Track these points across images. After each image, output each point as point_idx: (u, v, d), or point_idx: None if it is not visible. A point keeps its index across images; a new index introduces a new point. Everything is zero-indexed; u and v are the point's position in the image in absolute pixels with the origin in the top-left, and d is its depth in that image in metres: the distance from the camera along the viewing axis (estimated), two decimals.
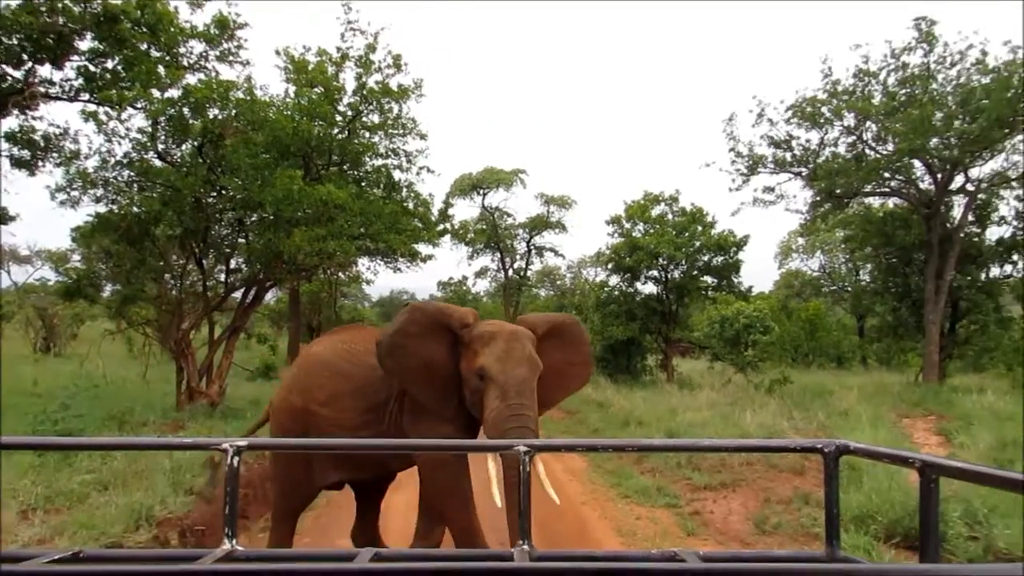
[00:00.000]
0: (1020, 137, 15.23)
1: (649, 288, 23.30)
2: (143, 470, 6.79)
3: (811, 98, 16.53)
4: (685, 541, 6.59)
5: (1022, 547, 5.39)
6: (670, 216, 23.10)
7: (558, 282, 43.04)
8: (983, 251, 17.38)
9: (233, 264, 12.83)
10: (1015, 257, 17.52)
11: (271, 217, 11.46)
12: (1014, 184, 16.55)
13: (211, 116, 11.22)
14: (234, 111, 11.35)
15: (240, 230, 12.48)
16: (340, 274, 24.57)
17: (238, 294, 12.93)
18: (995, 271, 17.81)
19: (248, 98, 11.69)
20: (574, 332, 5.09)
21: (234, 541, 1.43)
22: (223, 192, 11.67)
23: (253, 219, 12.27)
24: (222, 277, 12.89)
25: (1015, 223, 17.28)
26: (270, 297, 22.66)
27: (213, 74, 11.92)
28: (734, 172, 17.90)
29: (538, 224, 31.13)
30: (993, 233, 17.65)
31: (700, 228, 22.54)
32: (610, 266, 23.44)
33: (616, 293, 23.28)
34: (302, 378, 5.22)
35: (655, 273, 22.78)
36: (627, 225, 23.26)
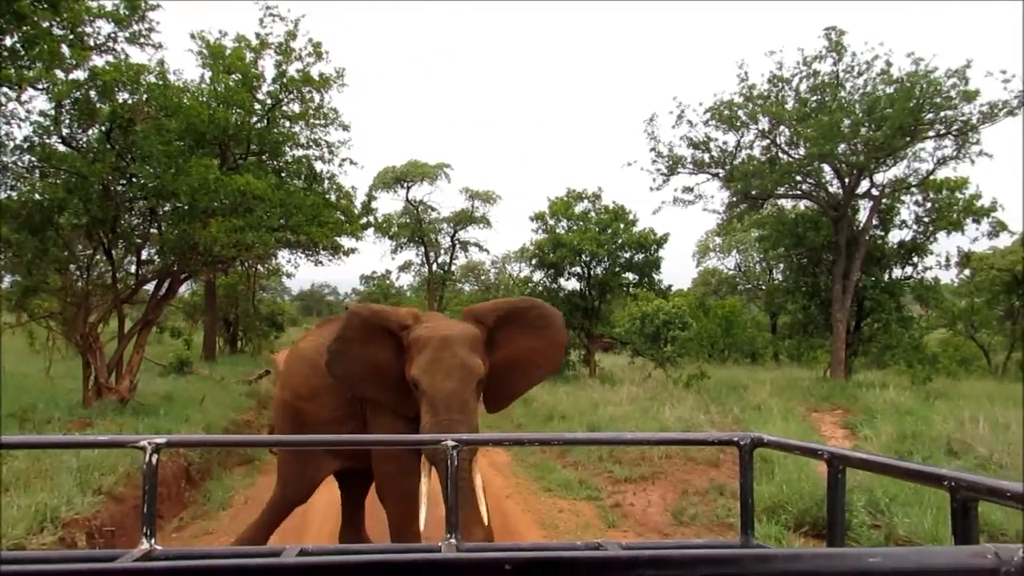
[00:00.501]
0: (921, 145, 16.08)
1: (572, 284, 23.57)
2: (47, 469, 6.47)
3: (728, 101, 16.99)
4: (606, 533, 6.71)
5: (920, 534, 5.72)
6: (593, 214, 23.41)
7: (482, 277, 43.10)
8: (886, 253, 18.21)
9: (145, 255, 12.32)
10: (915, 259, 18.48)
11: (186, 207, 11.05)
12: (914, 190, 17.46)
13: (120, 100, 10.73)
14: (145, 96, 10.88)
15: (152, 220, 11.99)
16: (259, 267, 24.01)
17: (150, 286, 12.45)
18: (897, 272, 18.71)
19: (161, 83, 11.24)
20: (534, 316, 4.71)
21: (153, 540, 1.41)
22: (133, 180, 11.19)
23: (166, 209, 11.80)
24: (133, 268, 12.38)
25: (915, 227, 18.22)
26: (184, 290, 21.89)
27: (123, 56, 11.43)
28: (655, 172, 18.25)
29: (463, 219, 31.09)
30: (895, 236, 18.57)
31: (622, 226, 22.91)
32: (534, 262, 23.59)
33: (540, 289, 23.45)
34: (288, 373, 5.18)
35: (578, 269, 23.04)
36: (551, 222, 23.46)
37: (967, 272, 22.71)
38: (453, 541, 1.45)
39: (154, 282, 12.36)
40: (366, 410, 4.73)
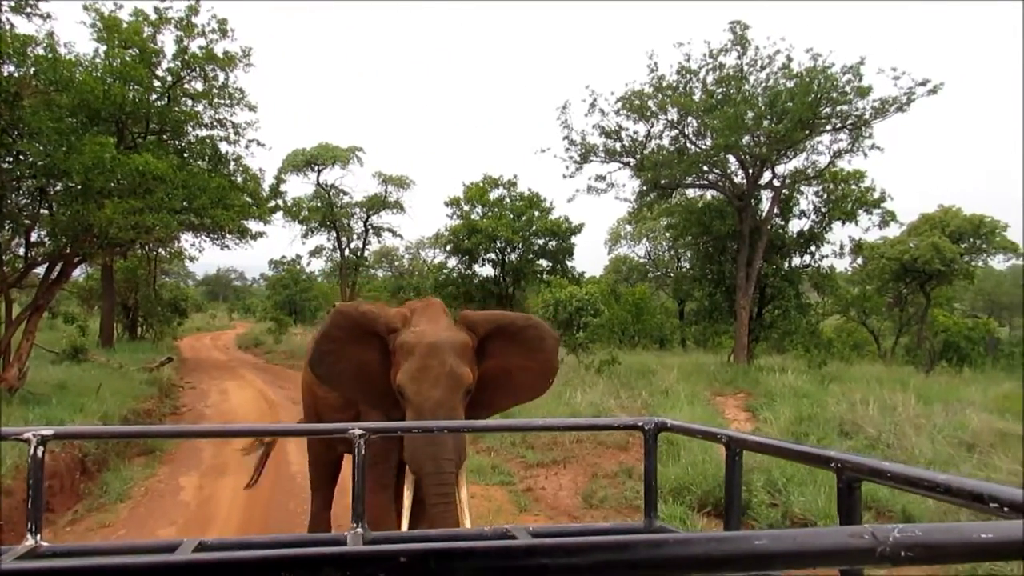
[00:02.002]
0: (819, 138, 16.80)
1: (487, 271, 23.68)
2: None
3: (639, 91, 17.27)
4: (518, 517, 6.79)
5: (814, 512, 6.01)
6: (508, 200, 23.53)
7: (396, 263, 42.76)
8: (786, 242, 18.96)
9: (35, 237, 11.64)
10: (812, 248, 19.34)
11: (79, 187, 10.48)
12: (813, 181, 18.26)
13: (5, 73, 10.07)
14: (33, 69, 10.25)
15: (42, 200, 11.32)
16: (160, 250, 23.03)
17: (41, 270, 11.77)
18: (796, 261, 19.54)
19: (50, 55, 10.60)
20: (531, 335, 4.48)
21: (38, 536, 1.36)
22: (21, 158, 10.54)
23: (57, 188, 11.17)
24: (21, 251, 11.67)
25: (813, 217, 19.07)
26: (79, 274, 20.83)
27: (7, 27, 10.72)
28: (568, 160, 18.41)
29: (376, 204, 30.61)
30: (795, 226, 19.35)
31: (537, 213, 23.13)
32: (448, 248, 23.56)
33: (455, 275, 23.44)
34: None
35: (493, 256, 23.15)
36: (466, 207, 23.45)
37: (859, 261, 23.93)
38: (359, 530, 1.44)
39: (45, 266, 11.70)
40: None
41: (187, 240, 20.63)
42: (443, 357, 4.12)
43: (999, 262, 26.01)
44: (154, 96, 13.37)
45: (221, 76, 14.48)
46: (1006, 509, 0.75)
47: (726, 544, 0.58)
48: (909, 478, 0.90)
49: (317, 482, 5.39)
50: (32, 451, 1.35)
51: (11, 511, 5.77)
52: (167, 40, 13.58)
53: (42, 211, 11.37)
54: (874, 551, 0.58)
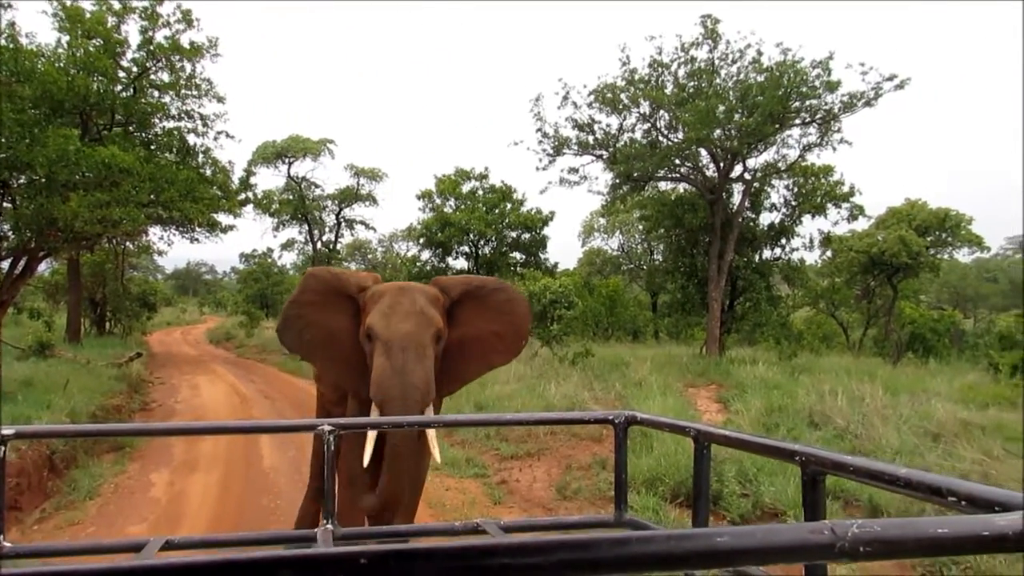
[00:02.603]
0: (789, 132, 16.98)
1: (460, 263, 23.64)
2: None
3: (611, 84, 17.32)
4: (492, 510, 6.81)
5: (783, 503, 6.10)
6: (481, 192, 23.49)
7: (369, 256, 42.50)
8: (757, 235, 19.17)
9: None
10: (783, 241, 19.58)
11: (43, 180, 10.29)
12: (783, 175, 18.46)
13: None
14: None
15: (5, 194, 11.10)
16: (128, 244, 22.67)
17: (4, 264, 11.54)
18: (767, 253, 19.77)
19: (11, 46, 10.38)
20: (499, 299, 4.46)
21: (2, 537, 1.35)
22: None
23: (21, 181, 10.95)
24: None
25: (784, 210, 19.30)
26: (44, 268, 20.45)
27: None
28: (541, 152, 18.42)
29: (348, 196, 30.41)
30: (766, 219, 19.58)
31: (510, 205, 23.12)
32: (422, 241, 23.48)
33: (428, 268, 23.36)
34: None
35: (466, 249, 23.12)
36: (438, 200, 23.38)
37: (828, 253, 24.25)
38: (330, 527, 1.44)
39: (9, 260, 11.48)
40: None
41: (155, 233, 20.35)
42: (414, 297, 4.07)
43: (964, 255, 26.48)
44: (119, 87, 13.13)
45: (188, 67, 14.27)
46: (963, 503, 0.77)
47: (687, 542, 0.59)
48: (871, 471, 0.92)
49: (315, 471, 5.26)
50: None
51: None
52: (131, 30, 13.35)
53: (5, 205, 11.15)
54: (833, 546, 0.59)
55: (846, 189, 18.68)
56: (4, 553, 1.32)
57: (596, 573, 0.59)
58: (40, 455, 7.47)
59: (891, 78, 15.14)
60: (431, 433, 3.94)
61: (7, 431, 1.36)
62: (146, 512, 6.71)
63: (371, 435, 3.85)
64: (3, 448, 1.35)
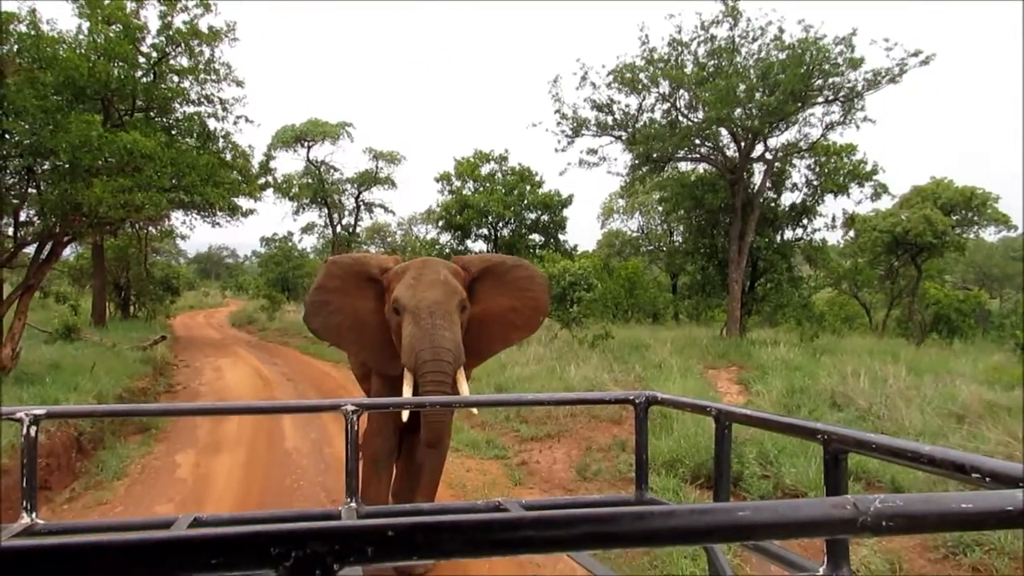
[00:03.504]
0: (811, 110, 16.75)
1: (479, 246, 23.65)
2: None
3: (630, 64, 17.15)
4: (512, 491, 6.85)
5: (805, 484, 6.08)
6: (500, 175, 23.44)
7: (388, 239, 42.59)
8: (778, 215, 18.99)
9: (24, 216, 11.55)
10: (805, 221, 19.38)
11: (66, 166, 10.39)
12: (805, 154, 18.23)
13: None
14: (16, 47, 10.11)
15: (30, 179, 11.23)
16: (151, 228, 22.92)
17: (30, 249, 11.70)
18: (788, 234, 19.58)
19: (33, 32, 10.45)
20: (518, 275, 4.63)
21: (34, 514, 1.38)
22: (7, 137, 10.44)
23: (45, 167, 11.07)
24: (11, 231, 11.59)
25: (805, 190, 19.07)
26: (69, 253, 20.72)
27: None
28: (559, 133, 18.32)
29: (367, 179, 30.43)
30: (787, 199, 19.38)
31: (528, 187, 23.07)
32: (440, 223, 23.52)
33: (447, 251, 23.40)
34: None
35: (485, 231, 23.12)
36: (457, 183, 23.36)
37: (851, 233, 23.97)
38: (353, 505, 1.46)
39: (35, 245, 11.64)
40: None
41: (177, 218, 20.60)
42: (437, 268, 4.24)
43: (990, 234, 26.11)
44: (139, 73, 13.22)
45: (207, 51, 14.33)
46: (988, 479, 0.77)
47: (708, 516, 0.59)
48: (894, 449, 0.92)
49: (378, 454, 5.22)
50: (24, 430, 1.37)
51: (8, 490, 5.79)
52: (151, 16, 13.42)
53: (30, 190, 11.29)
54: (855, 521, 0.59)
55: (869, 168, 18.42)
56: (37, 530, 1.35)
57: (618, 546, 0.60)
58: (68, 436, 7.61)
59: (916, 54, 14.87)
60: (463, 387, 4.05)
61: (37, 411, 1.39)
62: (172, 492, 6.82)
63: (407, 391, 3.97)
64: (34, 428, 1.38)
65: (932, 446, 0.86)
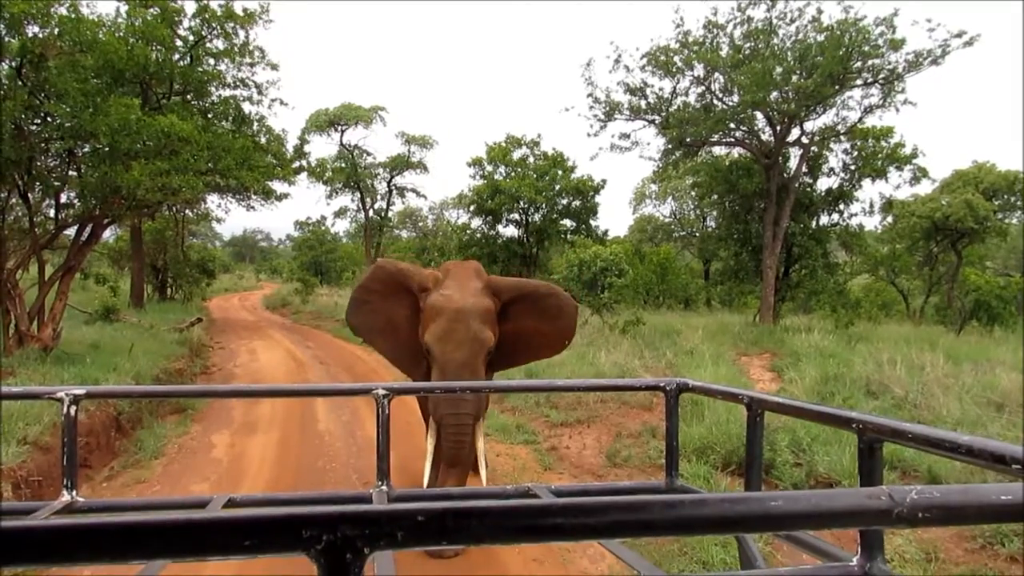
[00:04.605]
0: (849, 93, 16.40)
1: (511, 231, 23.64)
2: None
3: (664, 47, 16.93)
4: (542, 475, 6.87)
5: (839, 472, 6.01)
6: (531, 159, 23.35)
7: (420, 224, 42.78)
8: (814, 200, 18.66)
9: (64, 199, 11.77)
10: (841, 206, 19.03)
11: (106, 148, 10.54)
12: (842, 138, 17.88)
13: (30, 34, 10.08)
14: (57, 30, 10.25)
15: (71, 162, 11.42)
16: (187, 212, 23.24)
17: (71, 231, 11.93)
18: (824, 219, 19.25)
19: (73, 16, 10.59)
20: (550, 304, 4.96)
21: (74, 492, 1.40)
22: (48, 119, 10.62)
23: (85, 150, 11.24)
24: (52, 213, 11.82)
25: (842, 175, 18.72)
26: (109, 235, 21.13)
27: None
28: (592, 118, 18.16)
29: (399, 164, 30.54)
30: (823, 184, 19.04)
31: (560, 172, 22.95)
32: (472, 208, 23.50)
33: (478, 236, 23.43)
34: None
35: (516, 216, 23.08)
36: (489, 168, 23.32)
37: (889, 219, 23.53)
38: (384, 488, 1.47)
39: (75, 227, 11.87)
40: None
41: (213, 201, 20.80)
42: (467, 322, 4.53)
43: None
44: (176, 56, 13.36)
45: (242, 34, 14.42)
46: None
47: (740, 505, 0.59)
48: (931, 439, 0.90)
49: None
50: (65, 409, 1.39)
51: (51, 467, 5.95)
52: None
53: (71, 173, 11.49)
54: (891, 512, 0.59)
55: (908, 151, 18.00)
56: (77, 507, 1.38)
57: (648, 534, 0.60)
58: (108, 416, 7.78)
59: (960, 35, 14.47)
60: (481, 449, 4.57)
61: (77, 391, 1.42)
62: (208, 472, 6.95)
63: (428, 444, 4.64)
64: (74, 407, 1.41)
65: (971, 436, 0.84)
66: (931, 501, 0.59)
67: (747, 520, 0.59)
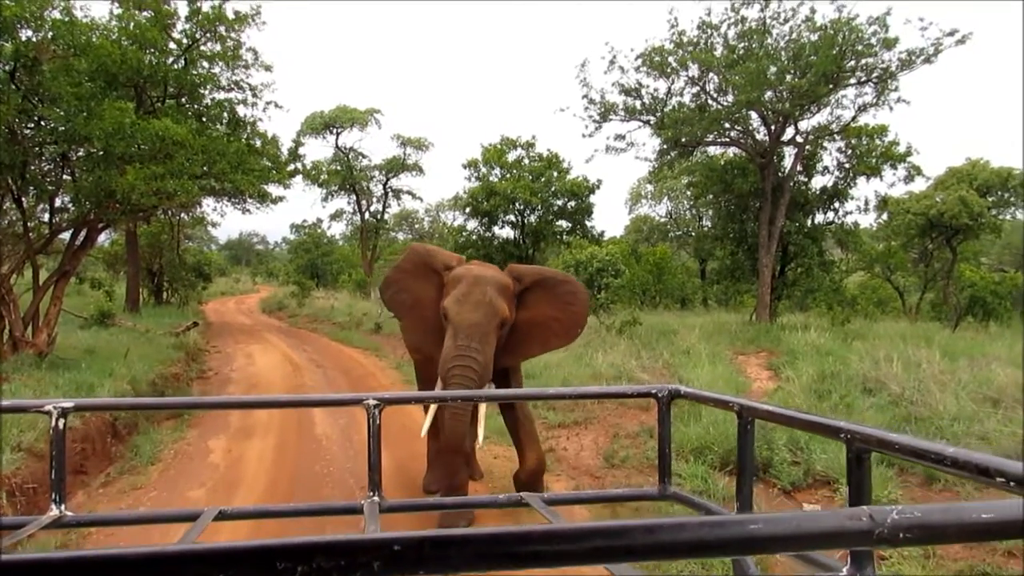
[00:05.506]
0: (843, 92, 16.42)
1: (506, 232, 23.62)
2: None
3: (659, 47, 16.93)
4: None
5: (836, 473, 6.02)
6: (527, 161, 23.35)
7: (416, 226, 42.81)
8: (809, 199, 18.66)
9: (59, 203, 11.75)
10: (836, 204, 19.04)
11: (100, 153, 10.53)
12: (836, 137, 17.89)
13: (24, 38, 10.06)
14: (51, 33, 10.23)
15: (65, 166, 11.40)
16: (183, 215, 23.21)
17: (66, 236, 11.91)
18: (819, 217, 19.24)
19: (66, 19, 10.57)
20: (564, 290, 5.28)
21: (63, 506, 1.37)
22: (42, 124, 10.60)
23: (79, 154, 11.23)
24: (46, 217, 11.80)
25: (836, 173, 18.73)
26: (104, 239, 21.09)
27: None
28: (587, 118, 18.14)
29: (395, 166, 30.54)
30: (818, 182, 19.04)
31: (556, 173, 22.96)
32: (468, 210, 23.49)
33: (474, 238, 23.41)
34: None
35: (512, 218, 23.07)
36: (484, 169, 23.32)
37: (884, 216, 23.56)
38: (376, 499, 1.46)
39: (70, 231, 11.84)
40: None
41: (208, 205, 20.81)
42: (485, 288, 4.84)
43: None
44: (170, 59, 13.34)
45: (233, 36, 14.42)
46: (1012, 484, 0.75)
47: (719, 529, 0.59)
48: (917, 450, 0.90)
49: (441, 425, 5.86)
50: (53, 423, 1.36)
51: (46, 475, 5.92)
52: (179, 2, 13.54)
53: (65, 177, 11.47)
54: (872, 533, 0.59)
55: (902, 149, 18.03)
56: (66, 522, 1.35)
57: (629, 560, 0.60)
58: (104, 422, 7.77)
59: (952, 33, 14.51)
60: (481, 414, 4.71)
61: (66, 404, 1.39)
62: (205, 477, 6.94)
63: (431, 411, 4.79)
64: (63, 421, 1.39)
65: (956, 448, 0.85)
66: (912, 521, 0.59)
67: (728, 545, 0.60)
